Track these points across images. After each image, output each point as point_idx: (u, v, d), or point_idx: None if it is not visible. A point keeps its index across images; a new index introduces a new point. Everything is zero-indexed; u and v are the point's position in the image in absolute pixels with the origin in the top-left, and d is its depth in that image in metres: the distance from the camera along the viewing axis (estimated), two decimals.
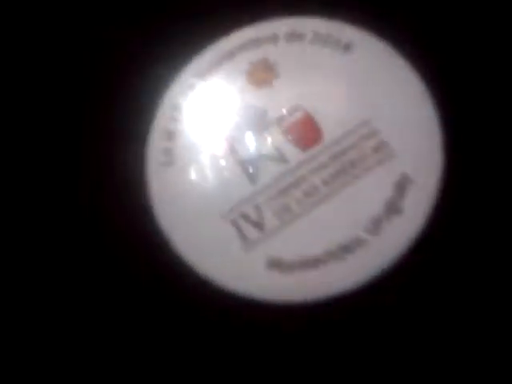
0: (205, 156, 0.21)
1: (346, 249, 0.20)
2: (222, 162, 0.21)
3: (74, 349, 0.21)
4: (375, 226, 0.20)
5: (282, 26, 0.22)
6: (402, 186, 0.20)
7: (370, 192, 0.20)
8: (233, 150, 0.21)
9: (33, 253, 0.22)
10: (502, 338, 0.19)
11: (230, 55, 0.22)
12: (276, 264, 0.20)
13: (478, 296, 0.19)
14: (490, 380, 0.19)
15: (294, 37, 0.22)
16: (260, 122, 0.21)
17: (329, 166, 0.20)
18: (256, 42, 0.22)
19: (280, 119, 0.21)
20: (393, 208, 0.20)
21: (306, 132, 0.21)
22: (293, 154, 0.21)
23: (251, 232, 0.21)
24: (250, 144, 0.21)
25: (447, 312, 0.19)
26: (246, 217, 0.21)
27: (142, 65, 0.23)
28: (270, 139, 0.21)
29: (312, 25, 0.22)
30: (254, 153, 0.21)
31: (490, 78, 0.21)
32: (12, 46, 0.24)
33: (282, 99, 0.21)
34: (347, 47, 0.21)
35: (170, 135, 0.22)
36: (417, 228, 0.19)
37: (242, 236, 0.21)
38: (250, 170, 0.21)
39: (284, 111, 0.21)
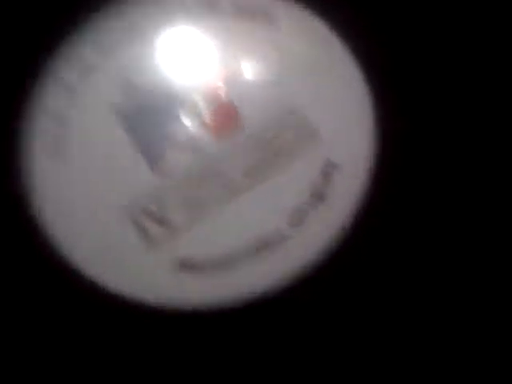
0: (100, 144, 0.17)
1: (265, 245, 0.18)
2: (121, 151, 0.17)
3: None
4: (298, 217, 0.18)
5: None
6: (328, 173, 0.18)
7: (294, 182, 0.18)
8: (134, 137, 0.17)
9: None
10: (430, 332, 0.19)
11: (142, 30, 0.17)
12: (185, 265, 0.17)
13: (407, 290, 0.19)
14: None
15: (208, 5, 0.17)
16: (170, 105, 0.17)
17: (249, 155, 0.17)
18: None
19: (194, 103, 0.17)
20: (318, 197, 0.18)
21: (225, 118, 0.17)
22: (207, 142, 0.17)
23: (155, 230, 0.17)
24: (156, 129, 0.17)
25: (376, 307, 0.19)
26: (148, 212, 0.17)
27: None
28: (180, 124, 0.17)
29: None
30: (160, 140, 0.17)
31: (428, 66, 0.19)
32: None
33: (198, 80, 0.17)
34: (272, 21, 0.17)
35: (61, 120, 0.16)
36: (343, 218, 0.18)
37: (144, 235, 0.17)
38: (155, 160, 0.17)
39: (200, 93, 0.17)
